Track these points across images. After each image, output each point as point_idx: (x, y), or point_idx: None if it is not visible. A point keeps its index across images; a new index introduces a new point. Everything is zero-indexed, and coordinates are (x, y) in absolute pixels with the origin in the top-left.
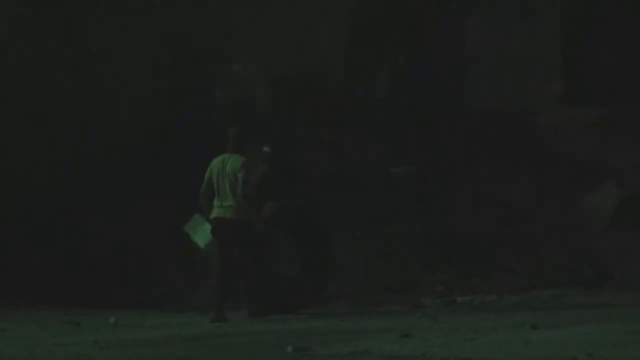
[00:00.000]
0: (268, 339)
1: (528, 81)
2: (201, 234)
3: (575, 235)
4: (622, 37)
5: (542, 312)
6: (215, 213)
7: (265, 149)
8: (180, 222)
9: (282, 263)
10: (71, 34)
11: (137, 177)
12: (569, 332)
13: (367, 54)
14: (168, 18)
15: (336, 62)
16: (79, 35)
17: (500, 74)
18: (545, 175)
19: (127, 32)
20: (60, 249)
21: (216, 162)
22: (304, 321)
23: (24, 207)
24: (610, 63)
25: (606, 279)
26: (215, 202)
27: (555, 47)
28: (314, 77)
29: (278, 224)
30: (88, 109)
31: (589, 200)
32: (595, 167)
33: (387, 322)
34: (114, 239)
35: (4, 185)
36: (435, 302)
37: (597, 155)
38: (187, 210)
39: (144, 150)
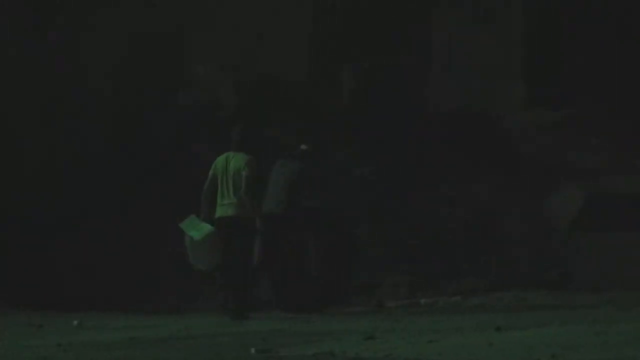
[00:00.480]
0: (232, 340)
1: (491, 84)
2: (197, 230)
3: (539, 237)
4: (583, 40)
5: (505, 314)
6: (218, 212)
7: (303, 146)
8: (139, 224)
9: (307, 262)
10: (38, 32)
11: (105, 177)
12: (533, 333)
13: (331, 57)
14: (133, 18)
15: (300, 65)
16: (44, 33)
17: (464, 77)
18: (509, 177)
19: (94, 31)
20: (25, 250)
21: (220, 159)
22: (267, 323)
23: None
24: (572, 65)
25: (569, 280)
26: (218, 200)
27: (518, 50)
28: (278, 80)
29: (306, 224)
30: (51, 107)
31: (552, 202)
32: (558, 169)
33: (351, 324)
34: (79, 240)
35: None
36: (399, 303)
37: (560, 157)
38: (147, 212)
39: (106, 149)
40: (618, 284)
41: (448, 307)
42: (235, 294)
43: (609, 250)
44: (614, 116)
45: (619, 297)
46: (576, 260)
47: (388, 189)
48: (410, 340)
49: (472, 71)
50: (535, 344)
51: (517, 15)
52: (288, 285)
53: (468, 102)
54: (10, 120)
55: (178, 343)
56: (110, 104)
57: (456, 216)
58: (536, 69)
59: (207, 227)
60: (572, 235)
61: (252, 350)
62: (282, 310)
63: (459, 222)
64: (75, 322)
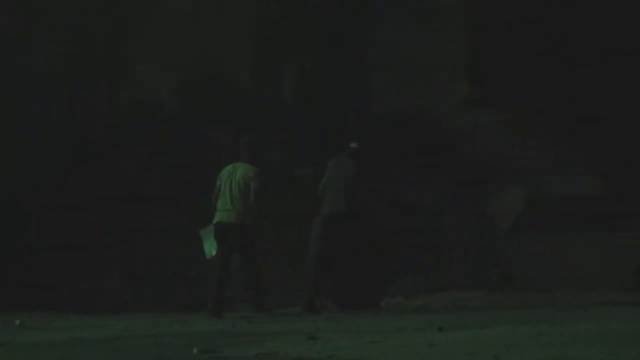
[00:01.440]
0: (175, 340)
1: (433, 84)
2: (210, 244)
3: (481, 237)
4: (526, 40)
5: (447, 314)
6: (217, 217)
7: (353, 144)
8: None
9: (343, 264)
10: None
11: (40, 173)
12: (475, 334)
13: (273, 58)
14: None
15: (243, 65)
16: None
17: (406, 77)
18: (452, 178)
19: (37, 25)
20: None
21: (226, 169)
22: (210, 323)
23: None
24: (515, 65)
25: (510, 280)
26: (219, 206)
27: (460, 50)
28: (220, 80)
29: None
30: None
31: (494, 202)
32: (500, 169)
33: (294, 325)
34: (22, 237)
35: None
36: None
37: (502, 158)
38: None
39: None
40: (559, 284)
41: (390, 308)
42: (253, 291)
43: (549, 251)
44: (554, 117)
45: (560, 297)
46: (517, 260)
47: None
48: (352, 341)
49: (413, 71)
50: (477, 345)
51: (459, 14)
52: (347, 284)
53: (410, 102)
54: None
55: (121, 343)
56: (52, 100)
57: (398, 217)
58: (478, 70)
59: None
60: (513, 236)
61: (195, 351)
62: (338, 308)
63: (400, 222)
64: (17, 322)
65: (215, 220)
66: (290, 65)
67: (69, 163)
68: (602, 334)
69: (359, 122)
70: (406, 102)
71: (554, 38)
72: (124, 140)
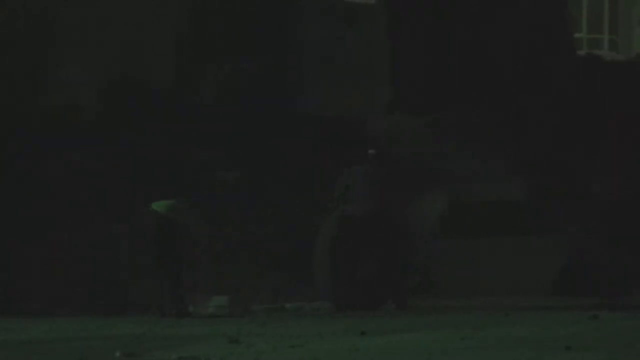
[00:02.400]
0: (98, 344)
1: (356, 87)
2: None
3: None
4: (448, 45)
5: (370, 319)
6: None
7: (371, 151)
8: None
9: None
10: None
11: None
12: (398, 338)
13: (195, 61)
14: None
15: (164, 69)
16: None
17: (329, 81)
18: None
19: None
20: None
21: None
22: (132, 326)
23: None
24: (437, 70)
25: (433, 285)
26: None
27: (383, 54)
28: (141, 83)
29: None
30: None
31: (416, 207)
32: (422, 173)
33: (216, 328)
34: None
35: None
36: (264, 308)
37: (424, 162)
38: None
39: None
40: (479, 289)
41: (312, 312)
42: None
43: (470, 256)
44: (478, 123)
45: (482, 302)
46: (440, 265)
47: (254, 193)
48: (275, 345)
49: (337, 75)
50: (399, 349)
51: (381, 18)
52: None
53: (333, 105)
54: None
55: (44, 346)
56: None
57: (321, 222)
58: (401, 73)
59: None
60: (435, 240)
61: (117, 354)
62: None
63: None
64: None
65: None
66: (213, 67)
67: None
68: (524, 338)
69: (282, 124)
70: (330, 105)
71: (477, 43)
72: (46, 142)
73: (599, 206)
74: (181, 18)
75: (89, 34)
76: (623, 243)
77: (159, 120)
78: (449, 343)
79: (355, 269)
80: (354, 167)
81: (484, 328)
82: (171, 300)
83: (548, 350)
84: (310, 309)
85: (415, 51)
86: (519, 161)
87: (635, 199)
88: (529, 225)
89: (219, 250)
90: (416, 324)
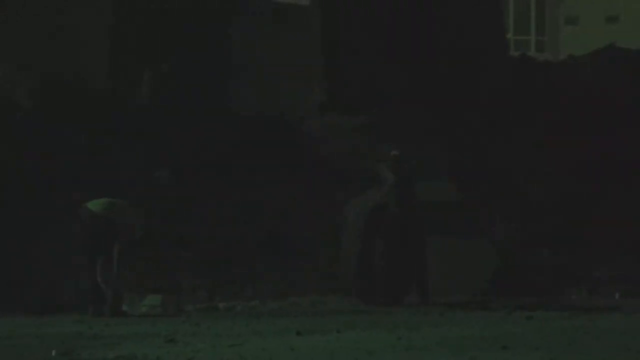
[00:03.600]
0: (34, 342)
1: (290, 88)
2: None
3: (332, 241)
4: (381, 45)
5: (305, 318)
6: None
7: (394, 152)
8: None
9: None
10: None
11: None
12: (335, 338)
13: (131, 59)
14: None
15: (100, 66)
16: None
17: (264, 81)
18: (307, 181)
19: None
20: None
21: None
22: (68, 325)
23: None
24: (370, 70)
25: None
26: None
27: (317, 55)
28: (77, 81)
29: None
30: None
31: (349, 207)
32: (355, 174)
33: (152, 327)
34: None
35: None
36: (198, 307)
37: (358, 162)
38: None
39: None
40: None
41: (246, 312)
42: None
43: None
44: (413, 123)
45: (416, 302)
46: None
47: (187, 192)
48: (211, 344)
49: (271, 75)
50: (337, 348)
51: (315, 19)
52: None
53: (268, 105)
54: None
55: None
56: None
57: (255, 220)
58: (335, 74)
59: None
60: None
61: (53, 353)
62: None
63: (257, 226)
64: None
65: None
66: (148, 66)
67: None
68: (461, 338)
69: (217, 124)
70: (264, 105)
71: (413, 44)
72: None
73: (532, 206)
74: (116, 16)
75: (25, 31)
76: (556, 243)
77: (94, 120)
78: (386, 343)
79: (381, 262)
80: (381, 163)
81: (419, 328)
82: (108, 296)
83: (486, 350)
84: (243, 309)
85: (349, 52)
86: (455, 163)
87: (567, 199)
88: (464, 226)
89: (153, 249)
90: (351, 323)
